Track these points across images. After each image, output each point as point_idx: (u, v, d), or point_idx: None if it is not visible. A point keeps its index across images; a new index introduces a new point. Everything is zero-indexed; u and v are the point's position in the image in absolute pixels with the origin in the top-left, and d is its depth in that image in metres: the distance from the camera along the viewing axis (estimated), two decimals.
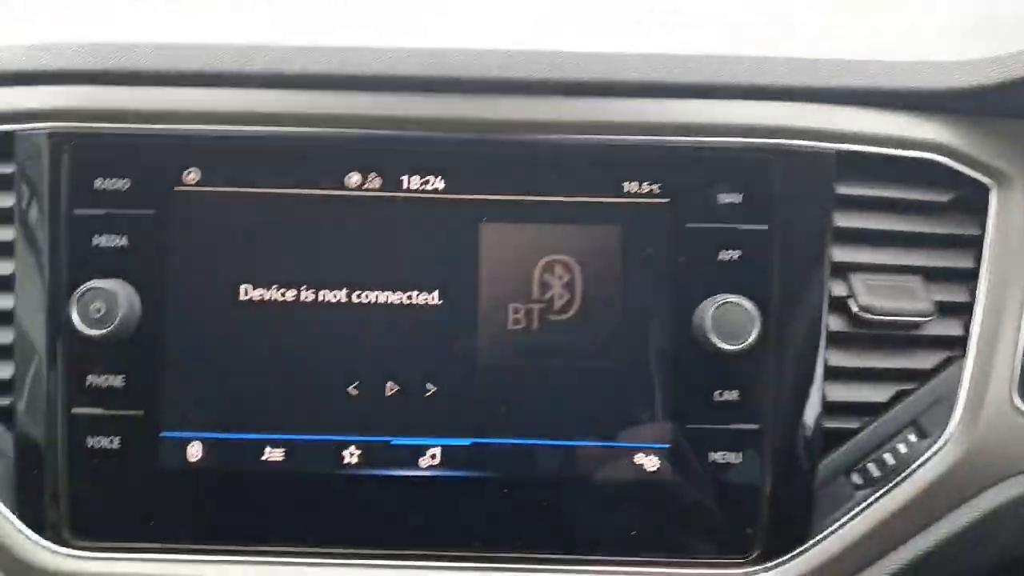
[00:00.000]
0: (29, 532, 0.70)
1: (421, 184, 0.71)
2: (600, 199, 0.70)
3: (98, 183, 0.71)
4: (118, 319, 0.68)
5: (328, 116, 0.71)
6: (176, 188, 0.71)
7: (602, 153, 0.71)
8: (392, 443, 0.70)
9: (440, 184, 0.71)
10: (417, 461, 0.70)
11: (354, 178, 0.71)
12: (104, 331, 0.68)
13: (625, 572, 0.69)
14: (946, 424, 0.70)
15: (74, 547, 0.70)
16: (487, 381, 0.70)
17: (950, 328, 0.72)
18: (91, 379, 0.69)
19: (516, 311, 0.70)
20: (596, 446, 0.69)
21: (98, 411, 0.70)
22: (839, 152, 0.71)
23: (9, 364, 0.71)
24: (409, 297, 0.70)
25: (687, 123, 0.71)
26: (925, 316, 0.70)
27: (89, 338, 0.68)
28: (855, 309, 0.70)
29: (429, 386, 0.70)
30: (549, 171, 0.70)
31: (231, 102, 0.71)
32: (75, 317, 0.68)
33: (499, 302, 0.70)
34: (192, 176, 0.71)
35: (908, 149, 0.71)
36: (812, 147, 0.71)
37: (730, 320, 0.68)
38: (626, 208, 0.70)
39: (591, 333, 0.70)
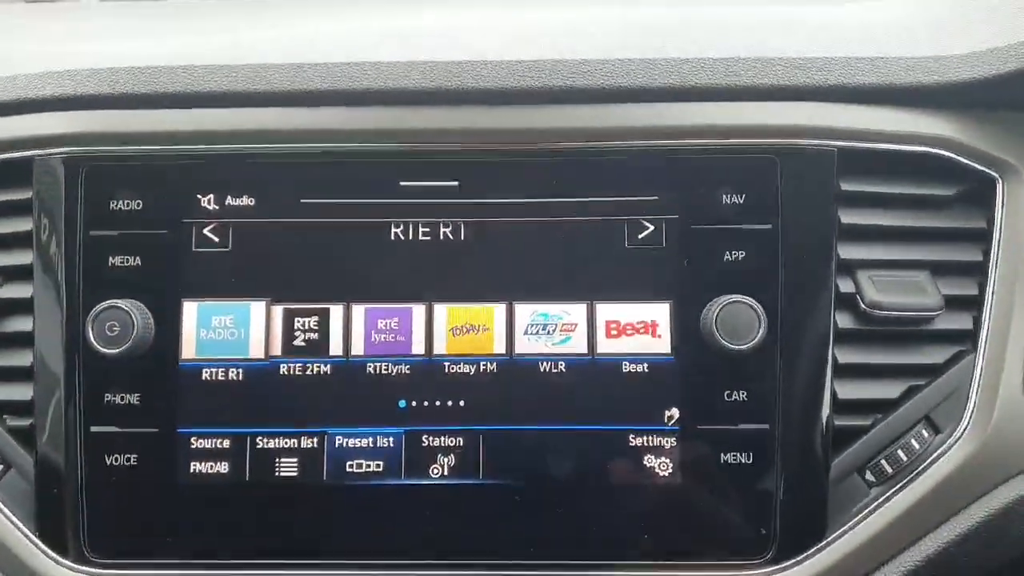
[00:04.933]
0: (49, 551, 0.71)
1: (428, 192, 0.72)
2: (604, 203, 0.71)
3: (112, 205, 0.72)
4: (132, 337, 0.69)
5: (336, 131, 0.72)
6: (187, 208, 0.72)
7: (604, 158, 0.72)
8: (405, 443, 0.70)
9: (452, 188, 0.72)
10: (429, 469, 0.70)
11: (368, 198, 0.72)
12: (119, 350, 0.69)
13: (640, 575, 0.69)
14: (959, 419, 0.70)
15: (94, 565, 0.71)
16: (500, 381, 0.70)
17: (960, 322, 0.72)
18: (108, 397, 0.71)
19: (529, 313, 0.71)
20: (605, 449, 0.70)
21: (115, 429, 0.71)
22: (841, 149, 0.71)
23: (28, 386, 0.72)
24: (420, 308, 0.71)
25: (686, 126, 0.71)
26: (934, 311, 0.70)
27: (105, 356, 0.69)
28: (863, 306, 0.70)
29: (446, 393, 0.71)
30: (554, 178, 0.72)
31: (242, 122, 0.72)
32: (91, 336, 0.69)
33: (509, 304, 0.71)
34: (203, 196, 0.72)
35: (911, 144, 0.71)
36: (814, 145, 0.71)
37: (736, 319, 0.68)
38: (631, 210, 0.71)
39: (599, 336, 0.70)
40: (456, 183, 0.72)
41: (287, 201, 0.72)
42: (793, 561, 0.69)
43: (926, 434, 0.70)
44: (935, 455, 0.69)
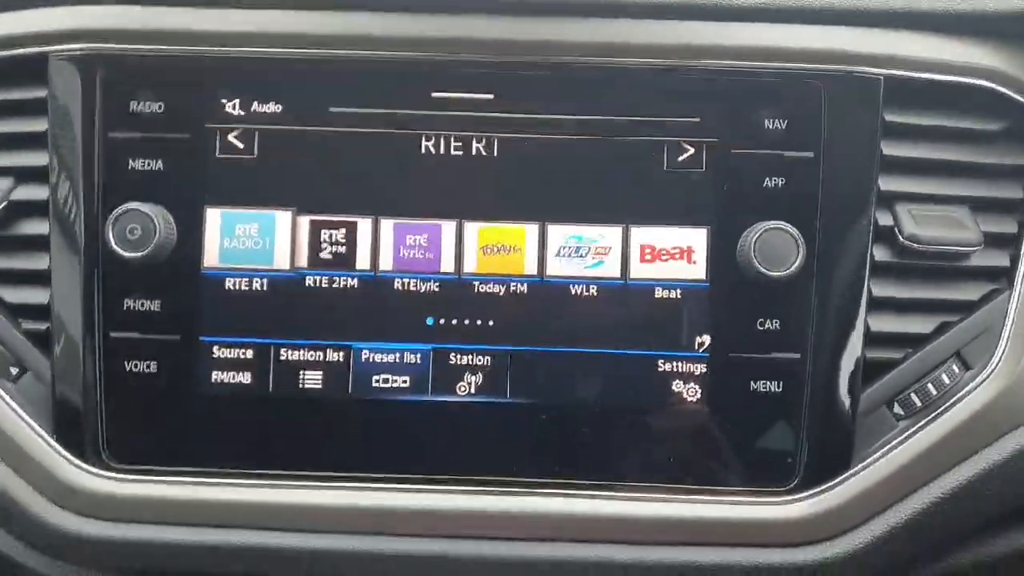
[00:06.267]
0: (69, 455, 0.70)
1: (461, 104, 0.70)
2: (644, 123, 0.69)
3: (133, 106, 0.70)
4: (154, 242, 0.67)
5: (367, 37, 0.69)
6: (211, 113, 0.70)
7: (645, 77, 0.70)
8: (432, 359, 0.70)
9: (487, 102, 0.70)
10: (456, 386, 0.69)
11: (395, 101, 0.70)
12: (140, 254, 0.67)
13: (664, 499, 0.69)
14: (991, 355, 0.70)
15: (113, 470, 0.70)
16: (530, 302, 0.69)
17: (997, 259, 0.71)
18: (128, 302, 0.69)
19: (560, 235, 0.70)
20: (634, 373, 0.69)
21: (135, 335, 0.69)
22: (888, 78, 0.69)
23: (45, 289, 0.70)
24: (450, 225, 0.70)
25: (731, 47, 0.69)
26: (972, 246, 0.69)
27: (125, 260, 0.68)
28: (900, 239, 0.69)
29: (474, 312, 0.70)
30: (594, 95, 0.70)
31: (270, 23, 0.70)
32: (111, 239, 0.68)
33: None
34: (228, 101, 0.70)
35: (960, 75, 0.70)
36: (860, 73, 0.69)
37: (774, 246, 0.67)
38: (671, 131, 0.69)
39: (633, 260, 0.69)
40: (491, 96, 0.70)
41: (315, 109, 0.70)
42: (817, 490, 0.69)
43: (957, 370, 0.70)
44: (965, 391, 0.69)
